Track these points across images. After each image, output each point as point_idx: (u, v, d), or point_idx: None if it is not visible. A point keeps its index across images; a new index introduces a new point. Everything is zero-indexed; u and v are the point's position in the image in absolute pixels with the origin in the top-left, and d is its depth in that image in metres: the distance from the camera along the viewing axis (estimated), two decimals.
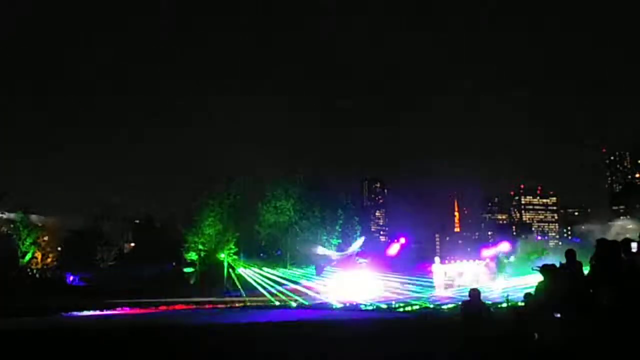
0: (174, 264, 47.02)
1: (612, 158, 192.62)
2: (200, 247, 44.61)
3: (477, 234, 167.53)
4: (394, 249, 40.46)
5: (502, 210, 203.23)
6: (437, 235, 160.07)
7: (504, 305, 20.02)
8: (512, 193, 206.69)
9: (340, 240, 46.36)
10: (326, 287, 34.95)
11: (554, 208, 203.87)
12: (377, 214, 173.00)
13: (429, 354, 10.02)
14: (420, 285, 33.93)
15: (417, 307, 22.45)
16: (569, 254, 9.63)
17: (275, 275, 32.15)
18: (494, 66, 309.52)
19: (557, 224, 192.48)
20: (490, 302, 17.41)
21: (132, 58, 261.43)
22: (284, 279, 32.26)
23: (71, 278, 43.39)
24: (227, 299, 31.30)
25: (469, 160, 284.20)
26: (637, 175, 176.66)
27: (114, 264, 48.84)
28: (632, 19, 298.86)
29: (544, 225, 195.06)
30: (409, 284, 34.38)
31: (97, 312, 22.95)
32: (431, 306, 24.10)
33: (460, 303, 14.63)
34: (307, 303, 27.48)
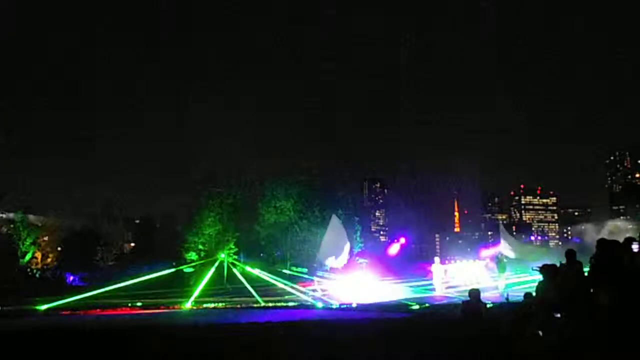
0: (174, 264, 47.03)
1: (612, 158, 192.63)
2: (200, 247, 44.63)
3: (477, 234, 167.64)
4: (394, 249, 40.48)
5: (502, 210, 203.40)
6: (437, 235, 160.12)
7: (504, 305, 20.01)
8: (512, 193, 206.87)
9: None
10: (326, 286, 34.91)
11: (554, 208, 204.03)
12: (377, 214, 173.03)
13: (429, 354, 10.01)
14: (420, 285, 33.91)
15: (417, 307, 22.43)
16: (569, 254, 9.65)
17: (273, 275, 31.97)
18: (494, 66, 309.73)
19: (557, 224, 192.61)
20: (490, 302, 17.39)
21: (132, 58, 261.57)
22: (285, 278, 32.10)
23: (71, 278, 43.38)
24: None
25: (469, 160, 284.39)
26: (637, 175, 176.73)
27: (114, 264, 48.86)
28: (631, 18, 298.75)
29: (544, 225, 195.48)
30: (409, 283, 34.36)
31: (97, 312, 22.94)
32: (431, 306, 24.10)
33: (460, 303, 14.64)
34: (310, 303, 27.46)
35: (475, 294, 11.37)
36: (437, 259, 35.49)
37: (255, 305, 24.26)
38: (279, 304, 24.09)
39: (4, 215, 44.11)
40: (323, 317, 18.86)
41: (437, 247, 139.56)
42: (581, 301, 8.01)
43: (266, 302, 24.62)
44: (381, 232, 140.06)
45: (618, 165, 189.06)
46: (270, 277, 27.32)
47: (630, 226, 44.50)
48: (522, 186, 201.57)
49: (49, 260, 45.54)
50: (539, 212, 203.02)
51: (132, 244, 59.23)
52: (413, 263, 39.39)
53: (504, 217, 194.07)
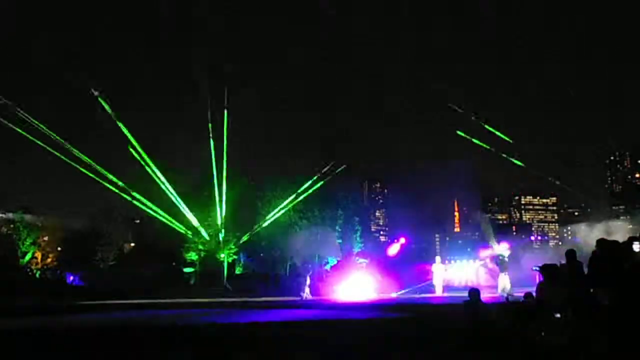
0: (173, 264, 47.06)
1: (612, 158, 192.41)
2: (200, 247, 44.63)
3: (477, 234, 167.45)
4: (394, 249, 40.39)
5: (502, 210, 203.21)
6: (437, 235, 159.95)
7: (504, 305, 19.99)
8: (512, 193, 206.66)
9: (340, 241, 46.42)
10: (325, 287, 34.98)
11: (554, 208, 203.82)
12: (377, 214, 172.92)
13: (429, 354, 10.02)
14: (420, 285, 33.92)
15: (417, 307, 22.46)
16: (569, 254, 9.64)
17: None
18: (494, 67, 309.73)
19: (557, 224, 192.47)
20: (490, 302, 17.40)
21: (132, 58, 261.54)
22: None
23: (71, 278, 43.40)
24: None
25: (469, 160, 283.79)
26: (637, 175, 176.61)
27: (114, 264, 48.88)
28: (631, 18, 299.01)
29: (544, 225, 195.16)
30: (408, 283, 34.38)
31: (97, 312, 22.97)
32: (431, 306, 24.11)
33: (460, 303, 14.64)
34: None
35: (475, 293, 11.36)
36: (438, 259, 35.49)
37: (255, 305, 24.29)
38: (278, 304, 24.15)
39: (4, 215, 44.14)
40: (323, 317, 18.85)
41: (437, 247, 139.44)
42: (581, 301, 8.02)
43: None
44: (381, 232, 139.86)
45: (618, 165, 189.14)
46: None
47: (630, 226, 44.50)
48: (522, 186, 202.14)
49: (49, 260, 45.58)
50: (539, 212, 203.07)
51: (132, 244, 59.27)
52: (413, 264, 39.32)
53: (504, 217, 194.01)
